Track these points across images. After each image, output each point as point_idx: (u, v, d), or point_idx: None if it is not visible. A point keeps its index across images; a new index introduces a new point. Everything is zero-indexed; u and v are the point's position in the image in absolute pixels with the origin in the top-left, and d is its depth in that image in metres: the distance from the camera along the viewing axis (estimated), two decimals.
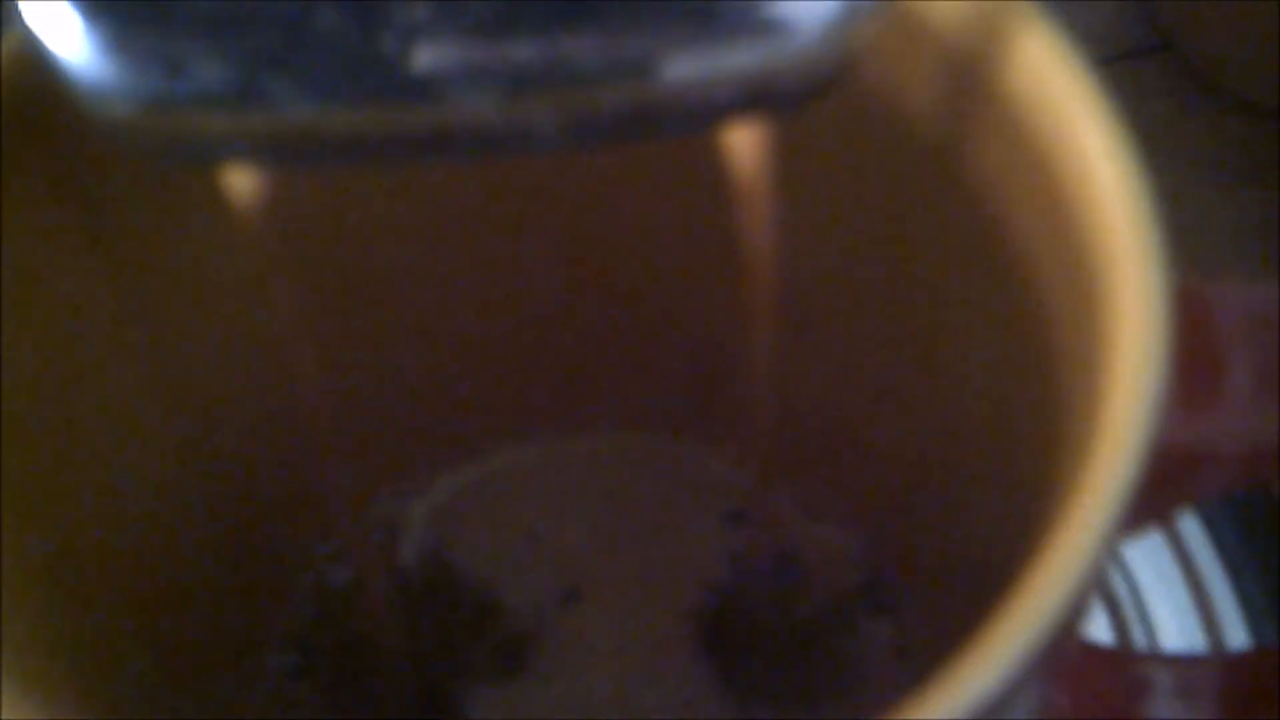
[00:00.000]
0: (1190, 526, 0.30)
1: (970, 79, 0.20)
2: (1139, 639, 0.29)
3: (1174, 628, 0.29)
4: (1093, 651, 0.26)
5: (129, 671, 0.23)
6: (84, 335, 0.22)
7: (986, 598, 0.23)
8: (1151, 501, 0.18)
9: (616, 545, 0.29)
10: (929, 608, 0.27)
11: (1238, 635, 0.29)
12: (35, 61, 0.16)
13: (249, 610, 0.27)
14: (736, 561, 0.29)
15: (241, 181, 0.18)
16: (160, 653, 0.24)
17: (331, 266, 0.23)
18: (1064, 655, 0.17)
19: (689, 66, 0.16)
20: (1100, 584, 0.17)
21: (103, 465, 0.23)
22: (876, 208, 0.23)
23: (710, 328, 0.25)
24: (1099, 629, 0.29)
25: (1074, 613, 0.16)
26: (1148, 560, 0.30)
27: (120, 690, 0.22)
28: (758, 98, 0.16)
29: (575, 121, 0.16)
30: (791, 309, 0.21)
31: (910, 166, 0.22)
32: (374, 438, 0.23)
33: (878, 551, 0.29)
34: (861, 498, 0.29)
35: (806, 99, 0.16)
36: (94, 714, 0.20)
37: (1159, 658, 0.28)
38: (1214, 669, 0.27)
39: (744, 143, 0.18)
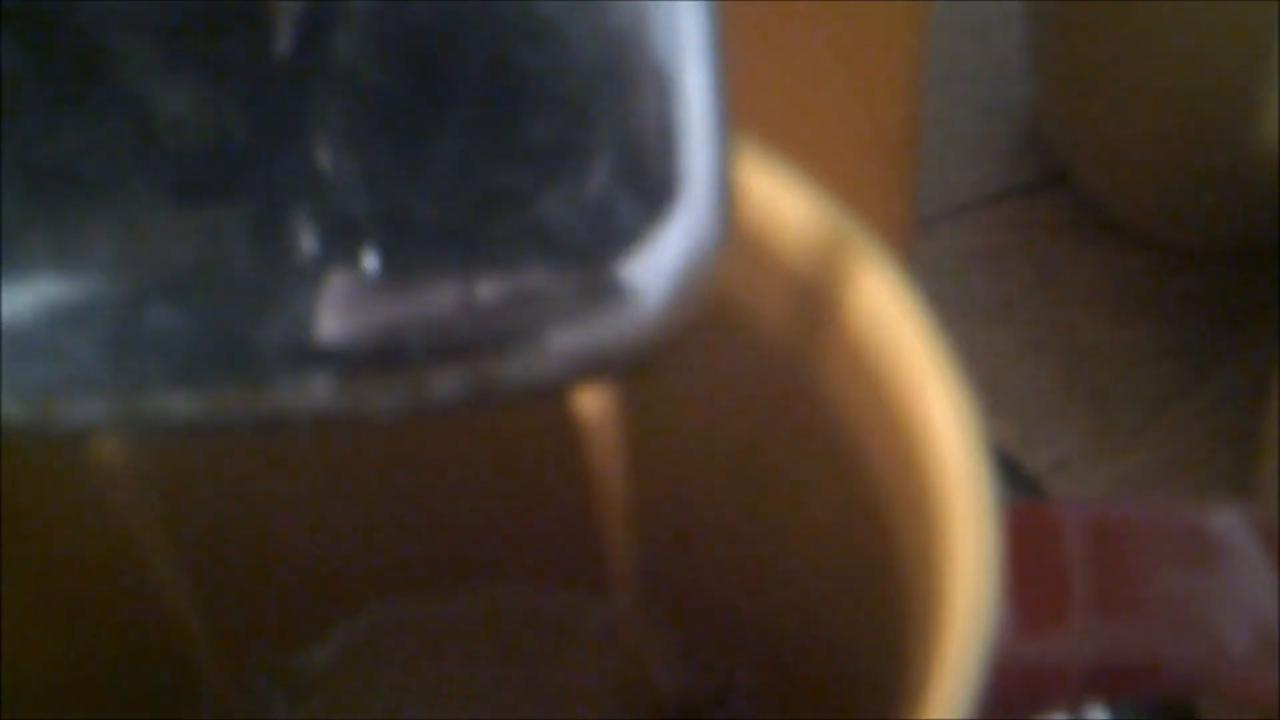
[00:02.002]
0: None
1: (813, 305, 0.21)
2: None
3: None
4: None
5: None
6: None
7: None
8: (997, 716, 0.19)
9: (501, 696, 0.30)
10: None
11: None
12: None
13: None
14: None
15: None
16: None
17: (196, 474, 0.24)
18: None
19: (524, 348, 0.16)
20: None
21: None
22: (732, 412, 0.24)
23: (577, 504, 0.26)
24: None
25: None
26: None
27: None
28: (596, 370, 0.17)
29: (409, 403, 0.16)
30: (654, 493, 0.22)
31: (762, 377, 0.22)
32: (247, 607, 0.24)
33: (759, 707, 0.29)
34: (740, 655, 0.29)
35: (646, 365, 0.17)
36: None
37: None
38: None
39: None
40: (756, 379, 0.23)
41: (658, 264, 0.17)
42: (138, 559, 0.20)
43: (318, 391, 0.16)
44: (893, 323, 0.20)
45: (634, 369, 0.17)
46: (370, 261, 0.16)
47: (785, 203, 0.21)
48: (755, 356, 0.22)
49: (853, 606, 0.23)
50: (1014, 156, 0.47)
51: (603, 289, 0.16)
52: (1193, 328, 0.44)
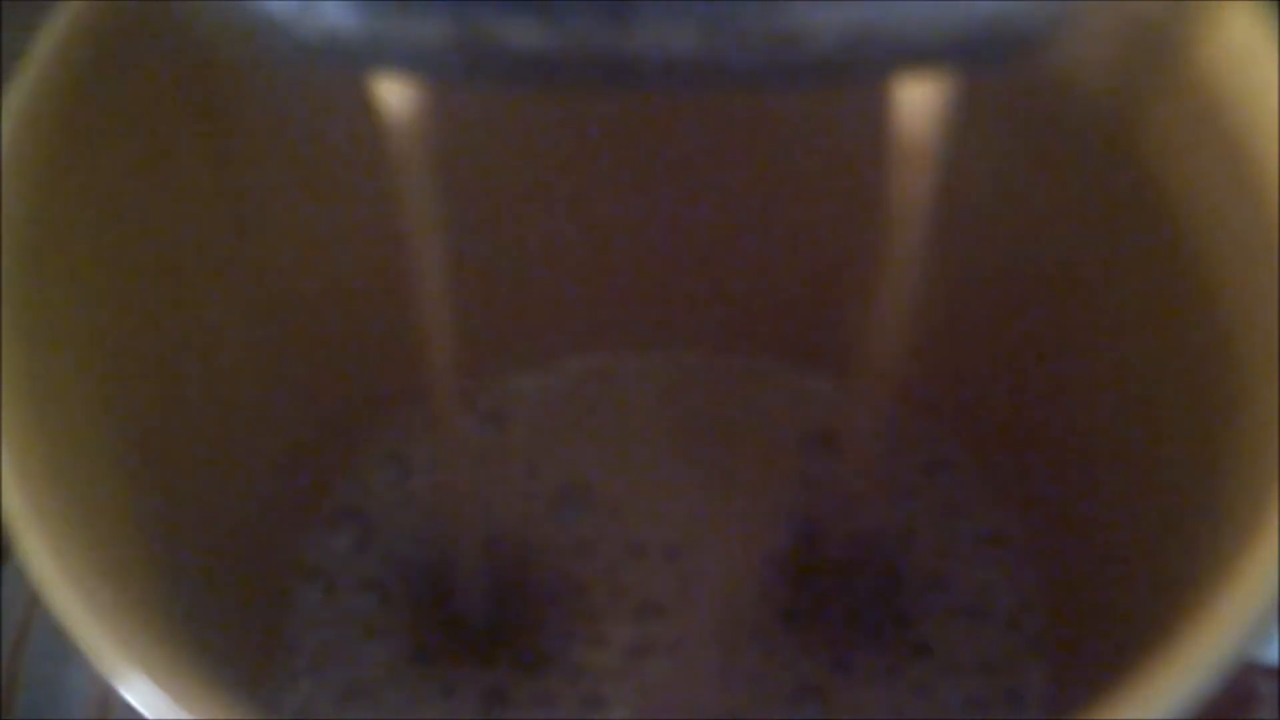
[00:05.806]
0: None
1: (1156, 48, 0.19)
2: None
3: None
4: None
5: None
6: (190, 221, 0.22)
7: (1116, 574, 0.22)
8: None
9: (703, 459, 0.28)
10: (1047, 574, 0.26)
11: None
12: None
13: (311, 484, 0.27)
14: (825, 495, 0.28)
15: (391, 94, 0.17)
16: (237, 503, 0.24)
17: (459, 169, 0.22)
18: None
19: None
20: None
21: (201, 325, 0.23)
22: (1040, 178, 0.22)
23: (843, 262, 0.24)
24: None
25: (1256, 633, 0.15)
26: None
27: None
28: (972, 46, 0.15)
29: (776, 53, 0.14)
30: (937, 263, 0.20)
31: (1079, 135, 0.20)
32: (477, 325, 0.22)
33: (999, 505, 0.27)
34: (993, 456, 0.27)
35: (1022, 52, 0.15)
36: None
37: (1266, 669, 0.27)
38: None
39: (915, 103, 0.17)
40: (1069, 132, 0.21)
41: None
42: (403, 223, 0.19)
43: (683, 31, 0.14)
44: (1259, 72, 0.18)
45: (1002, 55, 0.15)
46: None
47: None
48: (1071, 107, 0.20)
49: (1164, 397, 0.21)
50: None
51: None
52: None
